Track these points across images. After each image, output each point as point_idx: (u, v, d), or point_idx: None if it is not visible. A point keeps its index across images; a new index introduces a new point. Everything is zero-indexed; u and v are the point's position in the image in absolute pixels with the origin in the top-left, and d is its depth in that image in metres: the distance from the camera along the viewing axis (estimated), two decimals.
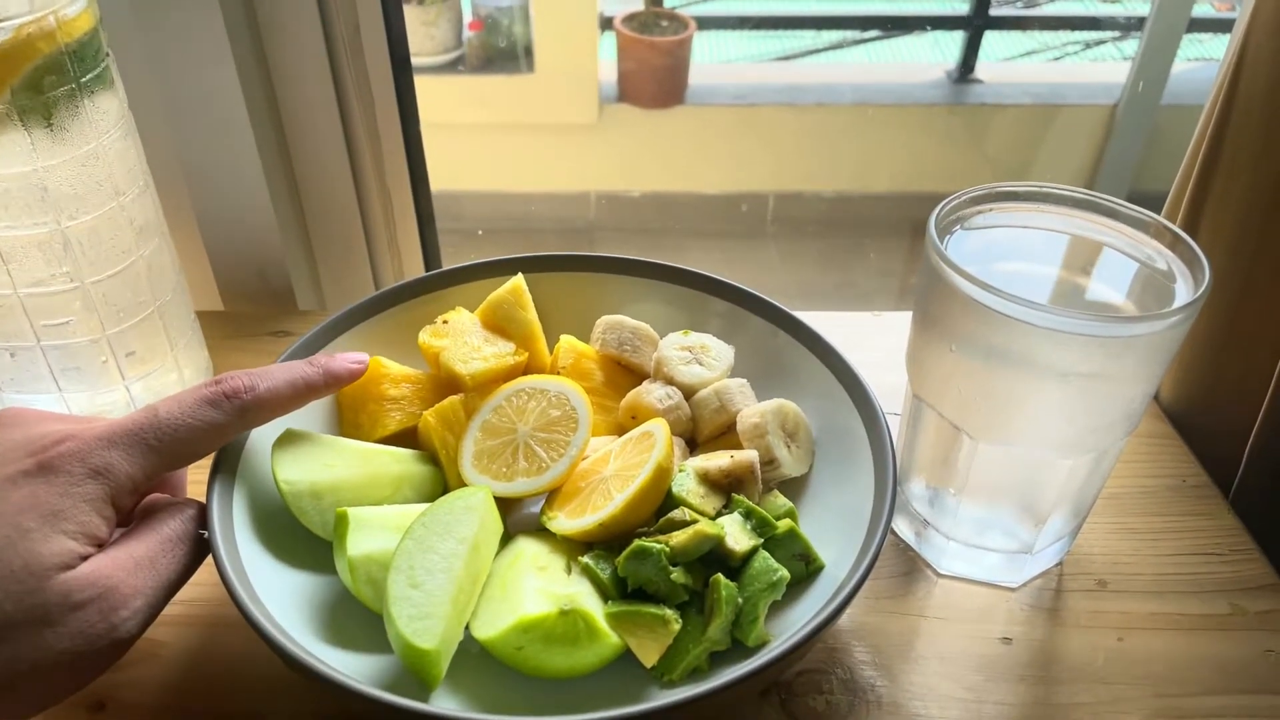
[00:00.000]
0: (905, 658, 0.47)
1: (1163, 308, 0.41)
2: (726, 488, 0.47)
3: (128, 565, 0.35)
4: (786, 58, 2.33)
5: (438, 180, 0.76)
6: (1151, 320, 0.39)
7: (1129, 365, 0.40)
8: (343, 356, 0.44)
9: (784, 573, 0.43)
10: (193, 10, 0.58)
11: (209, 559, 0.40)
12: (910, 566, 0.51)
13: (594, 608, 0.42)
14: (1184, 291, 0.42)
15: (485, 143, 2.07)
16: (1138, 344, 0.39)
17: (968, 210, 0.46)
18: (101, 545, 0.35)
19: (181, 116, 0.62)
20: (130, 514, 0.39)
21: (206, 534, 0.39)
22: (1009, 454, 0.45)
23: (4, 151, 0.45)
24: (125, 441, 0.35)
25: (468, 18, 2.11)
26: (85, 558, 0.34)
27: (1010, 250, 0.46)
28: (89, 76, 0.47)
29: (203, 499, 0.42)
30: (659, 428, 0.47)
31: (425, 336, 0.53)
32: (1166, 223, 0.44)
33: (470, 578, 0.42)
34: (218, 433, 0.38)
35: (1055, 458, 0.44)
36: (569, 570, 0.45)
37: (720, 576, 0.43)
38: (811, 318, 0.54)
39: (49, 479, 0.34)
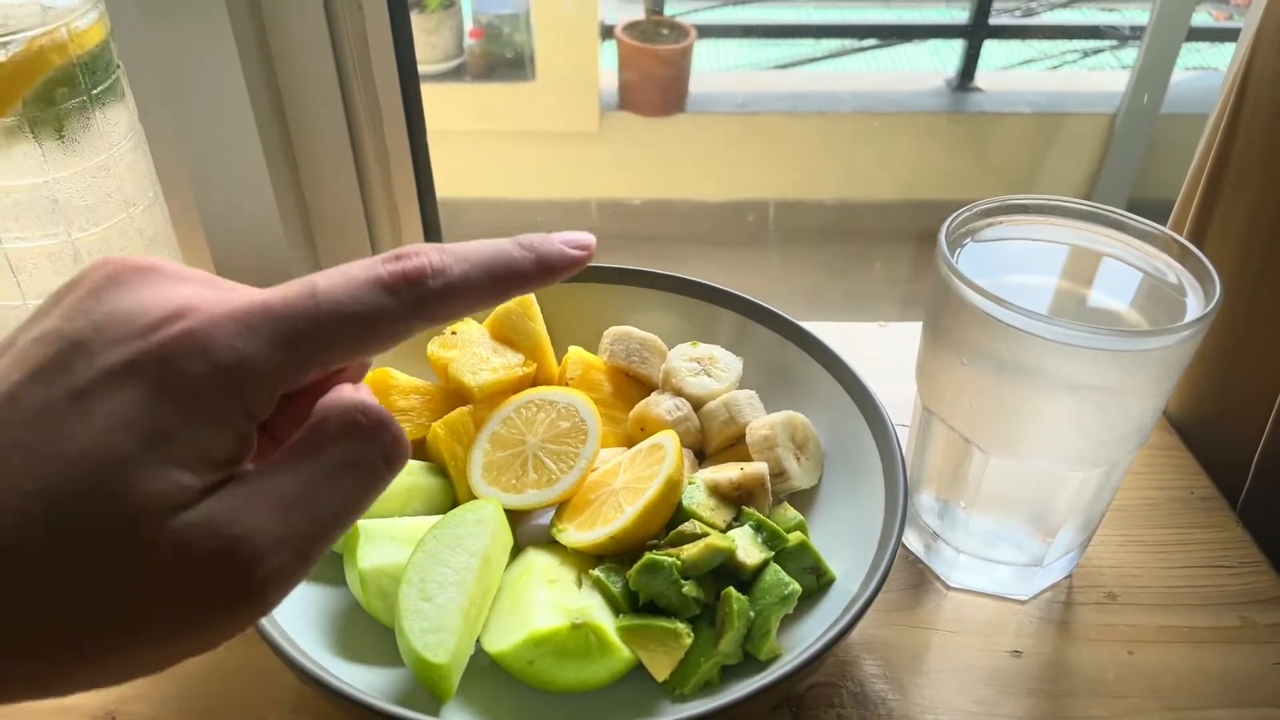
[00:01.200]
0: (916, 671, 0.47)
1: (1173, 321, 0.41)
2: (737, 500, 0.47)
3: (267, 504, 0.24)
4: (787, 66, 2.34)
5: (440, 188, 0.76)
6: (1164, 334, 0.39)
7: (1141, 379, 0.40)
8: (562, 237, 0.28)
9: (795, 586, 0.43)
10: (202, 22, 0.58)
11: None
12: (920, 579, 0.51)
13: (605, 621, 0.42)
14: (1195, 305, 0.42)
15: (486, 151, 2.07)
16: (1150, 358, 0.39)
17: (978, 223, 0.46)
18: (232, 473, 0.24)
19: (189, 128, 0.62)
20: (278, 425, 0.28)
21: (386, 458, 0.26)
22: (1020, 467, 0.45)
23: (15, 163, 0.45)
24: (267, 325, 0.23)
25: (469, 26, 2.11)
26: (207, 492, 0.23)
27: (1020, 263, 0.46)
28: (100, 88, 0.47)
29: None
30: (669, 440, 0.47)
31: (434, 348, 0.53)
32: (1175, 235, 0.44)
33: (481, 591, 0.42)
34: (388, 328, 0.25)
35: (1066, 471, 0.44)
36: (579, 583, 0.44)
37: (732, 590, 0.43)
38: (819, 329, 0.54)
39: (158, 379, 0.22)
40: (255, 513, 0.23)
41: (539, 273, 0.27)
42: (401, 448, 0.26)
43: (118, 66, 0.48)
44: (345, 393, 0.26)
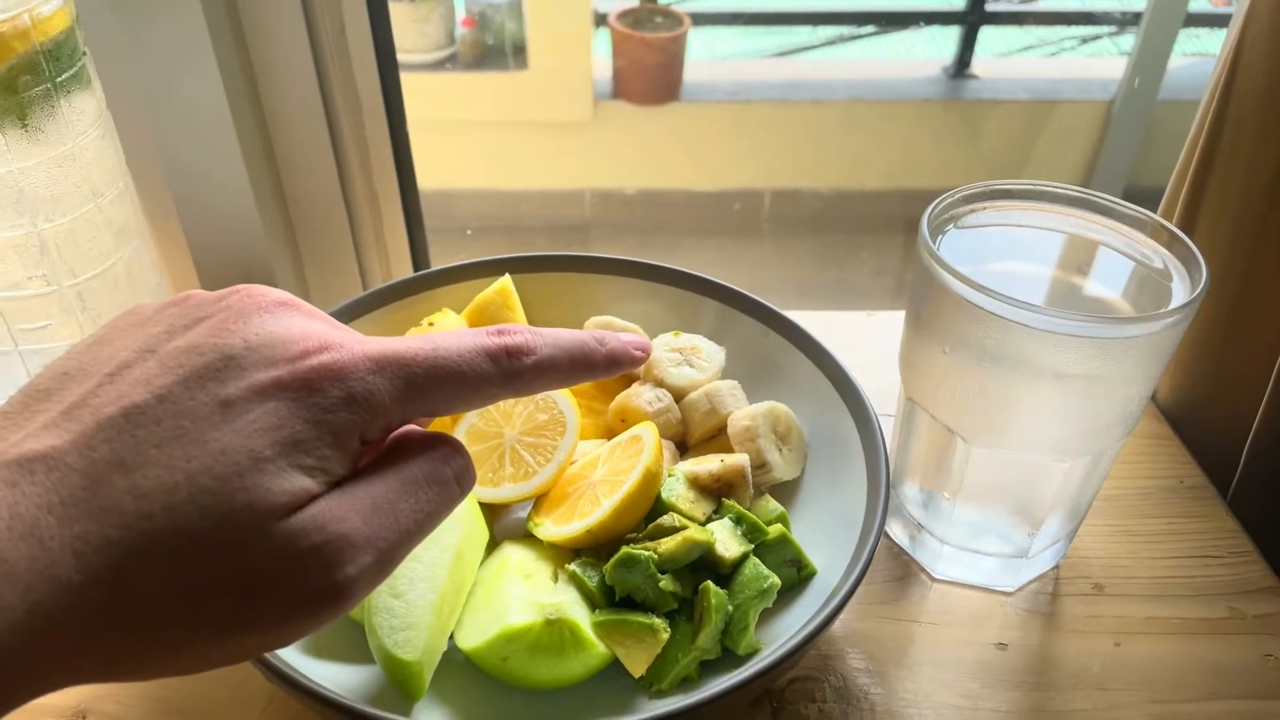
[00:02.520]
0: (900, 664, 0.46)
1: (1160, 307, 0.40)
2: (717, 492, 0.47)
3: (363, 508, 0.27)
4: (782, 54, 2.32)
5: (431, 179, 0.75)
6: (1149, 320, 0.38)
7: (1126, 366, 0.39)
8: (630, 339, 0.33)
9: (775, 579, 0.42)
10: (173, 7, 0.57)
11: None
12: (904, 571, 0.51)
13: (581, 617, 0.41)
14: (1181, 291, 0.41)
15: (479, 140, 2.06)
16: (1135, 344, 0.39)
17: (961, 209, 0.45)
18: (337, 485, 0.27)
19: (162, 116, 0.61)
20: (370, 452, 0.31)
21: (458, 480, 0.30)
22: (1004, 457, 0.44)
23: None
24: (394, 369, 0.27)
25: (460, 15, 2.10)
26: (316, 498, 0.26)
27: (1004, 249, 0.45)
28: (65, 76, 0.46)
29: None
30: (648, 431, 0.46)
31: None
32: (1163, 221, 0.43)
33: (454, 586, 0.41)
34: (483, 392, 0.29)
35: (1051, 461, 0.44)
36: (555, 578, 0.44)
37: (710, 584, 0.42)
38: (804, 318, 0.53)
39: (300, 397, 0.26)
40: (352, 514, 0.26)
41: (607, 364, 0.32)
42: (471, 472, 0.30)
43: (84, 53, 0.47)
44: (415, 427, 0.30)
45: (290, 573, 0.25)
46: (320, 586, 0.25)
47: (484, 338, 0.29)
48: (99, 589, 0.22)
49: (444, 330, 0.52)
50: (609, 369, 0.32)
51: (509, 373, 0.29)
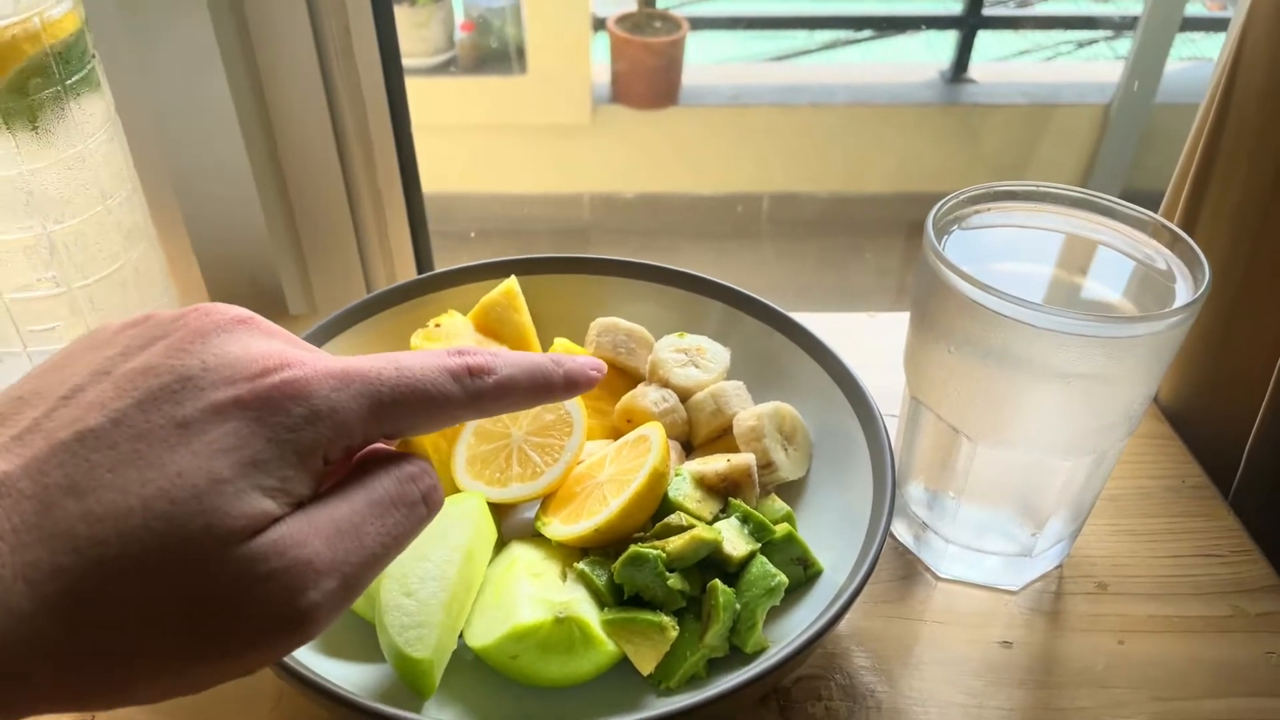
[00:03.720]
0: (905, 663, 0.46)
1: (1162, 307, 0.41)
2: (723, 492, 0.47)
3: (327, 531, 0.26)
4: (780, 58, 2.33)
5: (430, 182, 0.75)
6: (1152, 320, 0.38)
7: (1129, 366, 0.40)
8: (585, 361, 0.33)
9: (782, 578, 0.43)
10: (180, 11, 0.57)
11: None
12: (909, 570, 0.51)
13: (590, 615, 0.41)
14: (1184, 291, 0.41)
15: (478, 144, 2.07)
16: (1138, 344, 0.39)
17: (965, 210, 0.45)
18: (299, 507, 0.26)
19: (169, 118, 0.61)
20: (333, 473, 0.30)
21: (425, 500, 0.29)
22: (1008, 456, 0.45)
23: None
24: (358, 386, 0.27)
25: (460, 19, 2.10)
26: (277, 520, 0.25)
27: (1008, 250, 0.46)
28: (75, 79, 0.46)
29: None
30: (655, 431, 0.46)
31: (418, 340, 0.52)
32: (1165, 222, 0.43)
33: (464, 585, 0.41)
34: (448, 412, 0.29)
35: (1055, 460, 0.44)
36: (564, 577, 0.44)
37: (718, 582, 0.42)
38: (807, 319, 0.54)
39: (261, 416, 0.25)
40: (315, 538, 0.25)
41: (565, 385, 0.32)
42: (438, 495, 0.29)
43: (93, 56, 0.48)
44: (381, 446, 0.30)
45: (251, 598, 0.24)
46: (283, 613, 0.24)
47: (445, 358, 0.29)
48: (52, 617, 0.22)
49: (446, 331, 0.52)
50: (567, 390, 0.32)
51: (472, 392, 0.29)
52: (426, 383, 0.28)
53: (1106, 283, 0.44)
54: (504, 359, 0.30)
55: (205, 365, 0.25)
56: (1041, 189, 0.46)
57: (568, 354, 0.32)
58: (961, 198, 0.45)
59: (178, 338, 0.26)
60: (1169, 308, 0.39)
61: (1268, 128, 0.51)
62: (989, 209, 0.46)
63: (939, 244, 0.42)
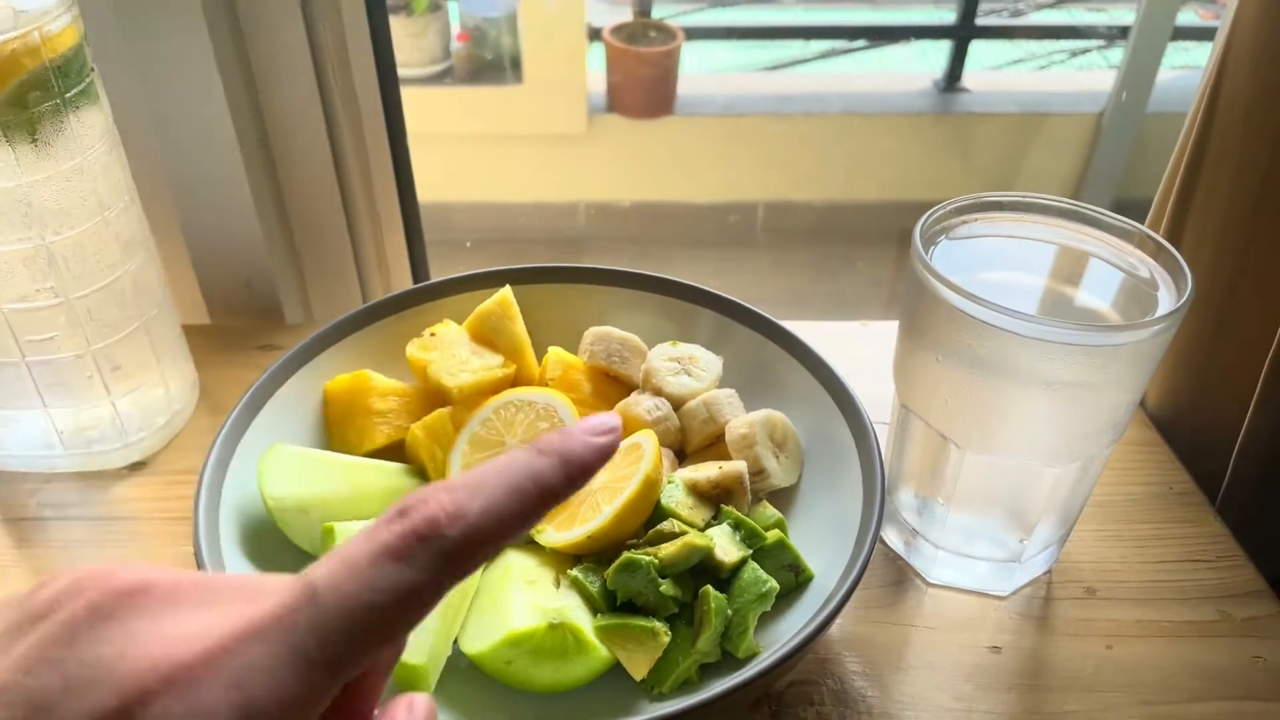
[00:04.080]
0: (896, 667, 0.47)
1: (1146, 316, 0.41)
2: (715, 499, 0.47)
3: None
4: (775, 68, 2.34)
5: (427, 191, 0.76)
6: (1135, 329, 0.39)
7: (1113, 374, 0.40)
8: (580, 428, 0.24)
9: (773, 584, 0.43)
10: (178, 24, 0.58)
11: None
12: (900, 576, 0.51)
13: (583, 621, 0.42)
14: (1167, 300, 0.42)
15: (475, 154, 2.07)
16: (1122, 352, 0.40)
17: (952, 220, 0.46)
18: None
19: (167, 130, 0.62)
20: None
21: None
22: (996, 463, 0.45)
23: None
24: (267, 655, 0.20)
25: (456, 29, 2.11)
26: None
27: (995, 260, 0.46)
28: (74, 92, 0.46)
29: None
30: (647, 439, 0.47)
31: (413, 349, 0.52)
32: (1149, 231, 0.44)
33: (458, 592, 0.42)
34: (415, 604, 0.21)
35: (1042, 466, 0.45)
36: (558, 583, 0.44)
37: (709, 588, 0.43)
38: (799, 327, 0.54)
39: None
40: None
41: (569, 478, 0.23)
42: None
43: (92, 70, 0.48)
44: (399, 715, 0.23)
45: None
46: None
47: (380, 533, 0.21)
48: None
49: (441, 340, 0.52)
50: (573, 481, 0.23)
51: (434, 563, 0.20)
52: (364, 593, 0.20)
53: (1092, 292, 0.45)
54: (466, 488, 0.21)
55: (68, 683, 0.19)
56: (1027, 199, 0.46)
57: (556, 433, 0.24)
58: (949, 208, 0.46)
59: (44, 637, 0.20)
60: (1152, 316, 0.40)
61: (1252, 138, 0.52)
62: (976, 219, 0.46)
63: (926, 254, 0.43)
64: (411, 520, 0.21)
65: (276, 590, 0.20)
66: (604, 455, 0.24)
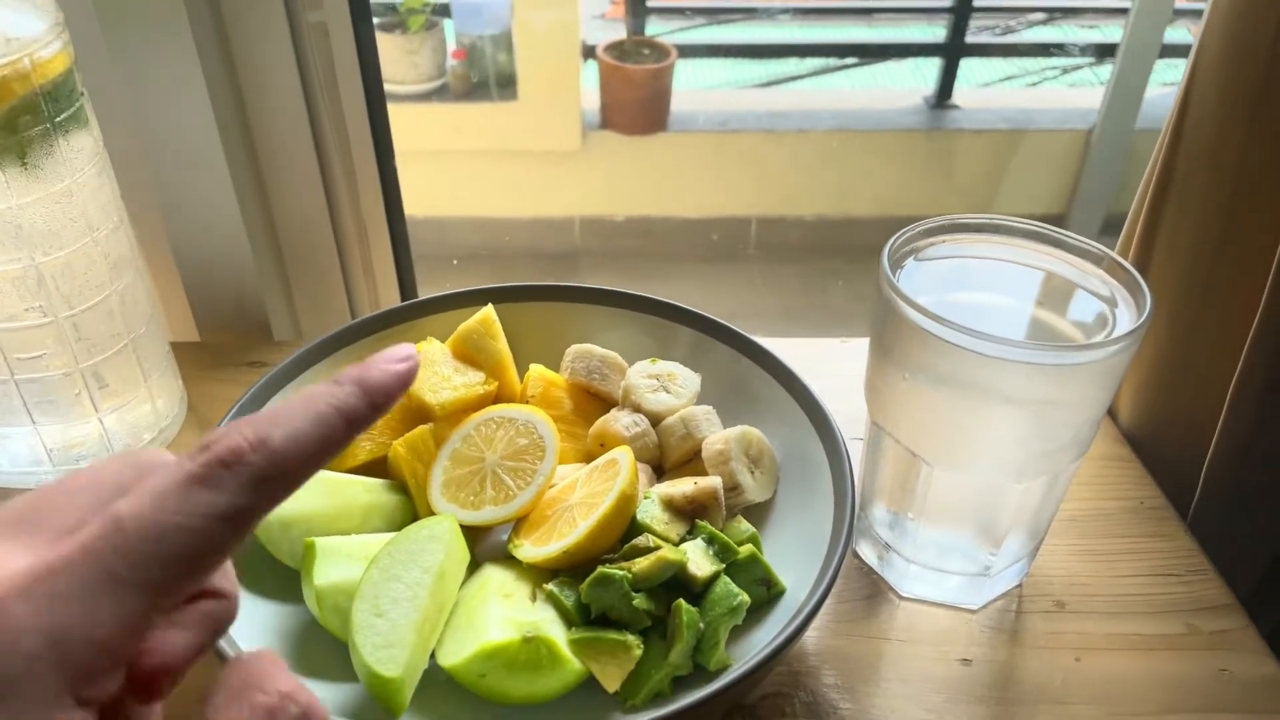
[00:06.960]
0: (868, 680, 0.47)
1: (1107, 335, 0.42)
2: (690, 514, 0.48)
3: None
4: (767, 84, 2.36)
5: (423, 208, 0.77)
6: (1095, 349, 0.40)
7: (1075, 392, 0.41)
8: (380, 357, 0.25)
9: (744, 597, 0.44)
10: (167, 47, 0.59)
11: None
12: (874, 590, 0.52)
13: (557, 634, 0.43)
14: (1126, 319, 0.43)
15: (469, 170, 2.09)
16: (1082, 371, 0.41)
17: (921, 242, 0.47)
18: None
19: (157, 150, 0.63)
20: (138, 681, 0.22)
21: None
22: (964, 479, 0.46)
23: None
24: (74, 586, 0.20)
25: (451, 46, 2.13)
26: None
27: (962, 280, 0.47)
28: (63, 116, 0.48)
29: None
30: (624, 455, 0.48)
31: None
32: (1110, 253, 0.45)
33: (436, 606, 0.42)
34: (227, 525, 0.21)
35: (1008, 482, 0.45)
36: (534, 598, 0.45)
37: (682, 602, 0.43)
38: (778, 344, 0.55)
39: None
40: None
41: (372, 404, 0.24)
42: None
43: (82, 94, 0.49)
44: (264, 667, 0.23)
45: None
46: None
47: (183, 465, 0.21)
48: None
49: (425, 358, 0.53)
50: (376, 408, 0.24)
51: (240, 486, 0.21)
52: (171, 516, 0.20)
53: (1056, 311, 0.46)
54: (268, 420, 0.22)
55: None
56: (994, 221, 0.47)
57: (354, 365, 0.24)
58: (918, 230, 0.47)
59: None
60: (1110, 335, 0.41)
61: (1219, 159, 0.53)
62: (944, 240, 0.48)
63: (894, 275, 0.44)
64: (215, 450, 0.21)
65: (84, 528, 0.21)
66: (403, 381, 0.25)
